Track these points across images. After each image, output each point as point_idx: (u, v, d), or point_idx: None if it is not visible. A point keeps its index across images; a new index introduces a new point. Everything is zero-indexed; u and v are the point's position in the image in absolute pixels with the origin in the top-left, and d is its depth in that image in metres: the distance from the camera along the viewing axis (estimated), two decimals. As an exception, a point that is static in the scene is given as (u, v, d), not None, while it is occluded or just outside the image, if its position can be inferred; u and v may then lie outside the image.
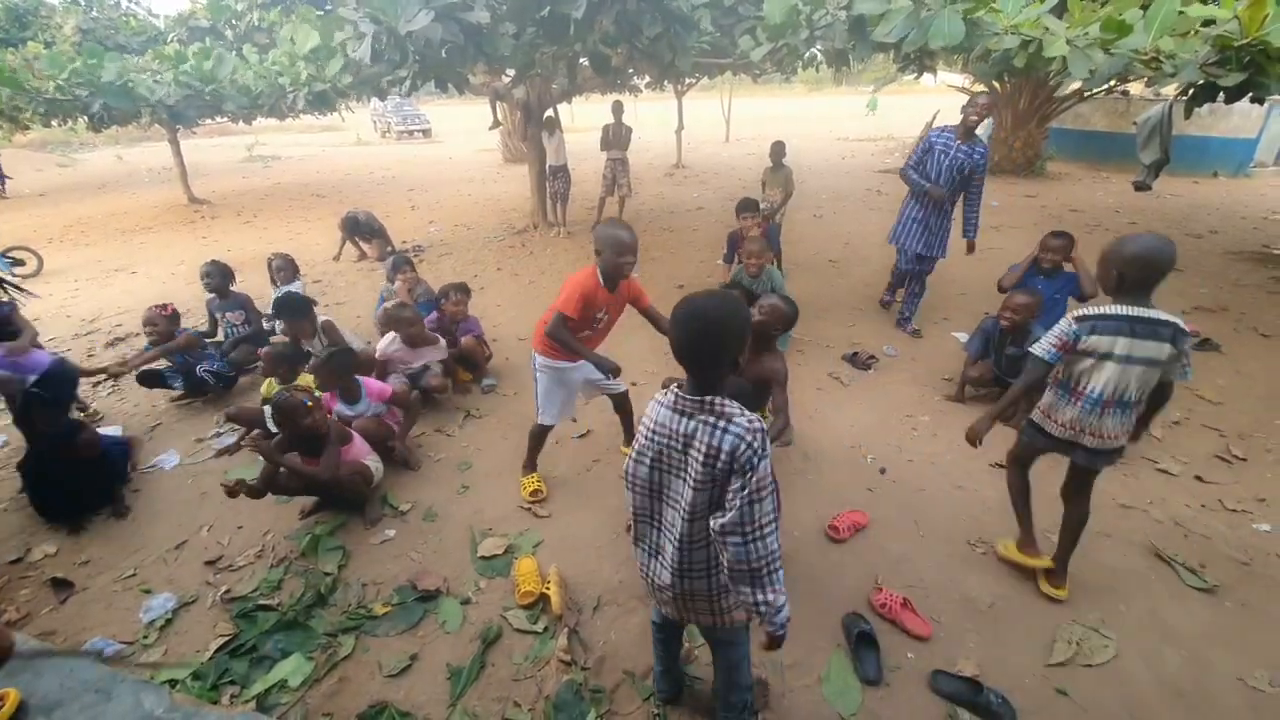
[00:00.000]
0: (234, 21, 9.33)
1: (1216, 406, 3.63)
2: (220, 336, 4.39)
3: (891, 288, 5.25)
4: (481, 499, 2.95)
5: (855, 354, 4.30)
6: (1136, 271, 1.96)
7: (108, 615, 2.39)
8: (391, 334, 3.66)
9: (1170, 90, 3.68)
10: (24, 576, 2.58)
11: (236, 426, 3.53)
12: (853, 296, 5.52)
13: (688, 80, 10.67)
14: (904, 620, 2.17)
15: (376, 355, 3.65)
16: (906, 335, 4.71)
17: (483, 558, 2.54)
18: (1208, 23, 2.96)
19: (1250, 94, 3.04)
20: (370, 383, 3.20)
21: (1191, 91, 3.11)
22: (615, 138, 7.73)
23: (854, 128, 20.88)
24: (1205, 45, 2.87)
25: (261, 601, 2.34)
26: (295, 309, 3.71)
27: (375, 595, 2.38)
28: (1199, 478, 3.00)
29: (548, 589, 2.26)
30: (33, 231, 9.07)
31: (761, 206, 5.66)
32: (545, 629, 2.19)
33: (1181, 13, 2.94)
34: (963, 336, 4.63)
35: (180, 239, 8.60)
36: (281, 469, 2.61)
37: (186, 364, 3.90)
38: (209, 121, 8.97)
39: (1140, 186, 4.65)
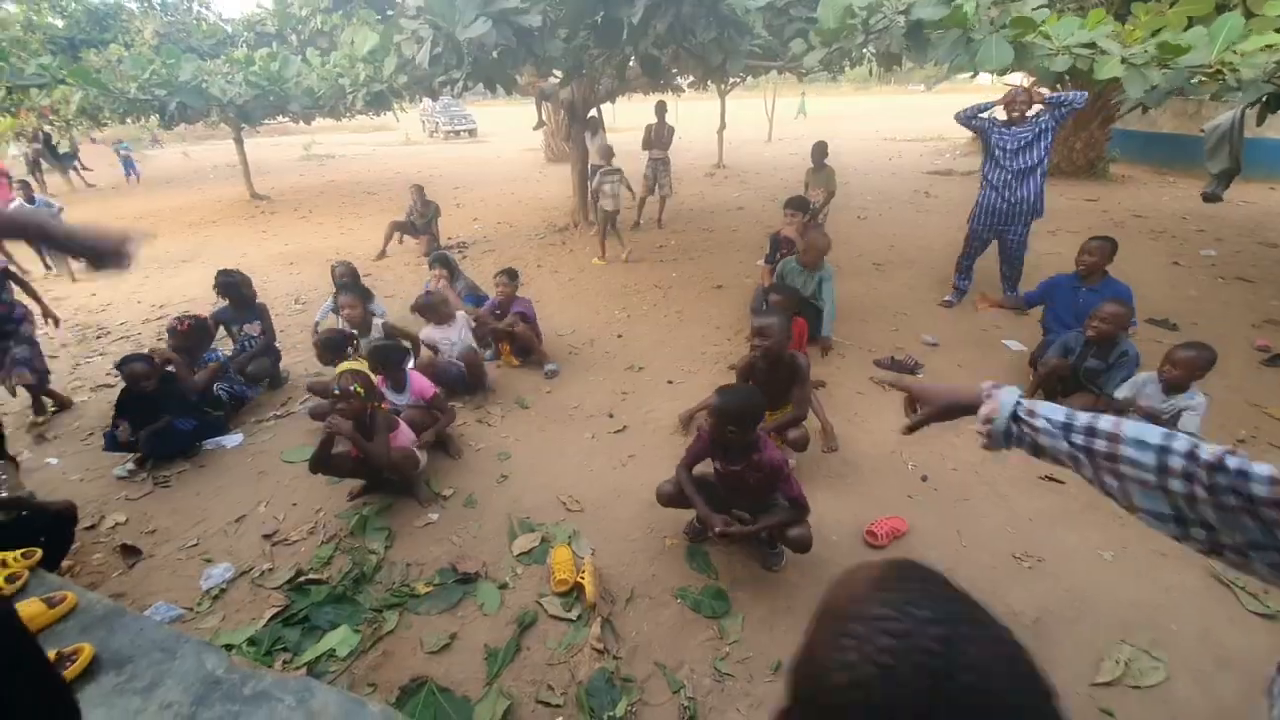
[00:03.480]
0: (298, 26, 9.78)
1: (1289, 426, 3.42)
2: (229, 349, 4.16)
3: (957, 287, 5.20)
4: (519, 488, 3.03)
5: (893, 358, 4.21)
6: None
7: (171, 581, 2.55)
8: (428, 325, 3.97)
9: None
10: (96, 543, 2.78)
11: (316, 396, 3.77)
12: (896, 300, 5.40)
13: (732, 80, 10.61)
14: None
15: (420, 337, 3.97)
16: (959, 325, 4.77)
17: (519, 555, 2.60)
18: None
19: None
20: (417, 378, 3.33)
21: (1265, 98, 2.95)
22: (657, 138, 7.76)
23: (902, 127, 20.34)
24: (1271, 61, 2.72)
25: (312, 576, 2.47)
26: (358, 288, 4.01)
27: (418, 575, 2.47)
28: (1267, 500, 2.84)
29: (582, 578, 2.31)
30: (105, 223, 9.69)
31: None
32: (579, 617, 2.23)
33: (1242, 40, 2.82)
34: (1013, 344, 4.49)
35: (242, 232, 9.07)
36: (333, 452, 2.76)
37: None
38: (272, 121, 9.45)
39: (1210, 198, 4.41)
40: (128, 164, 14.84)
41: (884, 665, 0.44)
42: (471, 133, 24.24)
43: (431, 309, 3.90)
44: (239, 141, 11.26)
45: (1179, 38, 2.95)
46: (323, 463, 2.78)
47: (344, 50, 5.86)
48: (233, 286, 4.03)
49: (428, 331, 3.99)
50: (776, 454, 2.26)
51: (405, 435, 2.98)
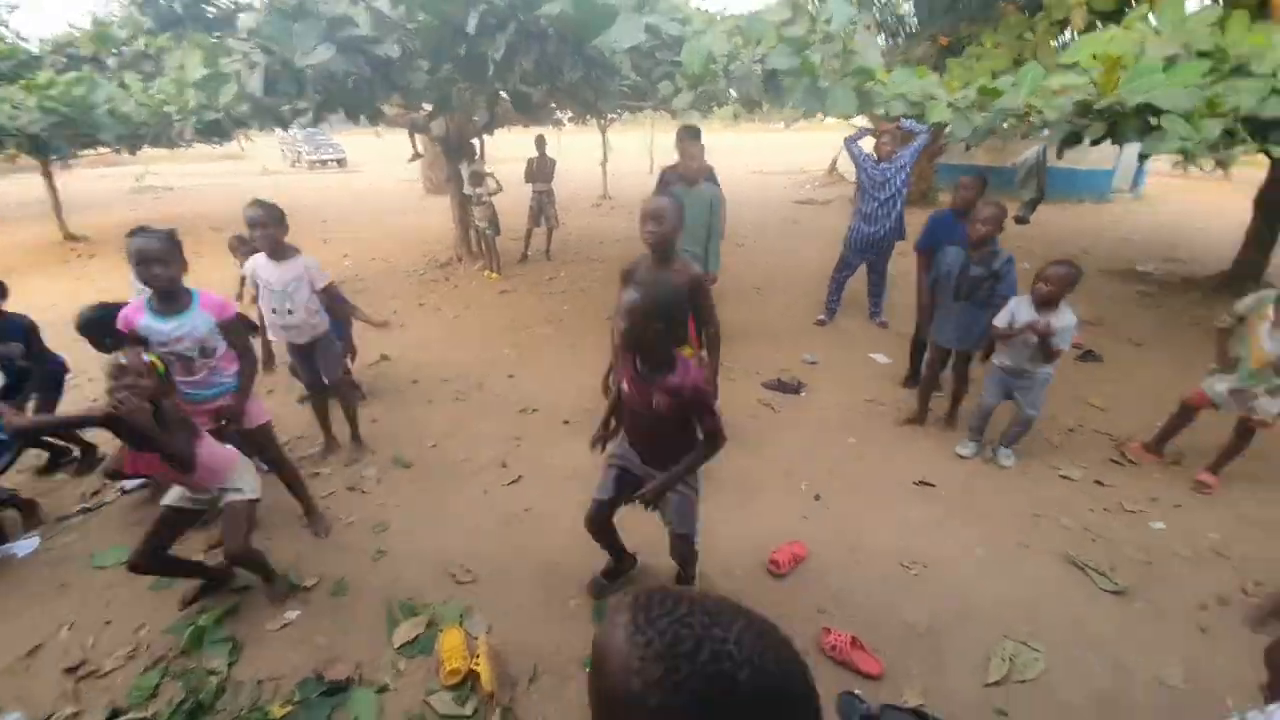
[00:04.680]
0: (117, 49, 8.57)
1: (1104, 413, 3.96)
2: None
3: (829, 307, 5.53)
4: (400, 564, 2.68)
5: (780, 380, 4.38)
6: None
7: (-66, 749, 1.95)
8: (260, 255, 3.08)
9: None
10: None
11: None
12: (778, 321, 5.68)
13: (610, 116, 10.84)
14: (856, 661, 2.13)
15: (244, 275, 3.19)
16: (828, 343, 5.14)
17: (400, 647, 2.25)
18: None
19: (1111, 140, 3.41)
20: (207, 293, 2.49)
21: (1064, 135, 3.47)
22: (539, 170, 7.68)
23: (768, 160, 22.00)
24: (1069, 105, 3.22)
25: (133, 715, 1.98)
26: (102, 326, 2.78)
27: (274, 693, 2.06)
28: (1098, 481, 3.23)
29: (476, 664, 2.06)
30: None
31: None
32: (475, 711, 1.97)
33: (1042, 85, 3.31)
34: (879, 358, 4.85)
35: (52, 280, 7.64)
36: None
37: None
38: (90, 152, 8.13)
39: (1020, 220, 5.24)
40: None
41: (670, 687, 0.51)
42: (340, 162, 22.70)
43: (260, 225, 2.96)
44: (46, 175, 9.60)
45: (994, 84, 3.40)
46: (151, 556, 2.19)
47: (171, 75, 5.18)
48: None
49: (258, 264, 3.06)
50: (698, 375, 1.84)
51: (217, 456, 2.25)
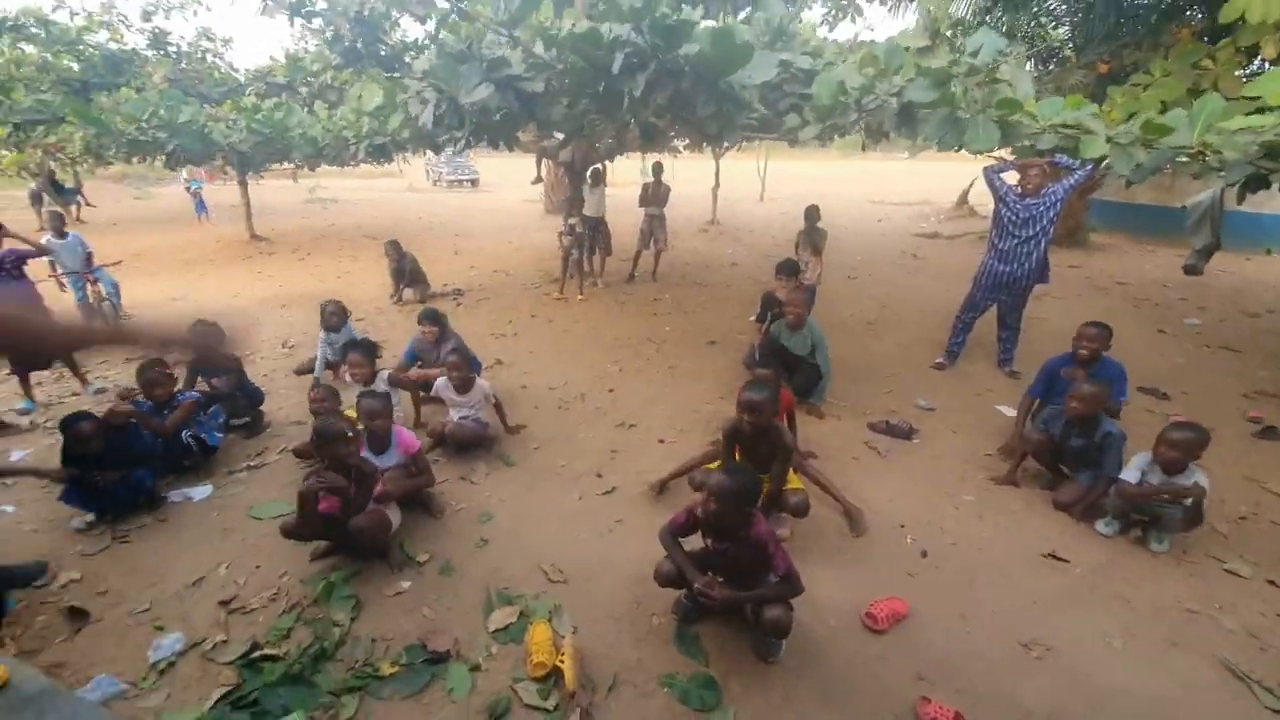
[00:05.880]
0: (308, 79, 10.12)
1: (1290, 503, 3.34)
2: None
3: (951, 350, 5.17)
4: (500, 555, 2.86)
5: (888, 422, 4.14)
6: None
7: (117, 651, 2.35)
8: (444, 378, 3.82)
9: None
10: (44, 602, 2.58)
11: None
12: (889, 361, 5.39)
13: (726, 144, 11.00)
14: (956, 738, 1.96)
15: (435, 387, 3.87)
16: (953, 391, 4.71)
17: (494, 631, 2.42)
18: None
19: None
20: (404, 434, 3.13)
21: (1244, 178, 3.04)
22: (654, 195, 7.96)
23: (888, 190, 21.07)
24: (1254, 144, 2.82)
25: (268, 651, 2.27)
26: (365, 345, 3.86)
27: (384, 652, 2.28)
28: (1271, 582, 2.73)
29: (561, 662, 2.14)
30: (100, 258, 9.66)
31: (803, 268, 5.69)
32: (556, 706, 2.05)
33: (1223, 124, 2.93)
34: (1006, 409, 4.44)
35: (238, 272, 9.06)
36: (308, 513, 2.62)
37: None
38: (278, 166, 9.63)
39: (1191, 270, 4.54)
40: (199, 202, 14.74)
41: None
42: (474, 183, 24.90)
43: (456, 369, 3.70)
44: (243, 184, 11.46)
45: (1162, 119, 3.05)
46: (300, 533, 2.66)
47: (351, 104, 6.03)
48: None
49: (443, 385, 3.79)
50: (765, 528, 2.17)
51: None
